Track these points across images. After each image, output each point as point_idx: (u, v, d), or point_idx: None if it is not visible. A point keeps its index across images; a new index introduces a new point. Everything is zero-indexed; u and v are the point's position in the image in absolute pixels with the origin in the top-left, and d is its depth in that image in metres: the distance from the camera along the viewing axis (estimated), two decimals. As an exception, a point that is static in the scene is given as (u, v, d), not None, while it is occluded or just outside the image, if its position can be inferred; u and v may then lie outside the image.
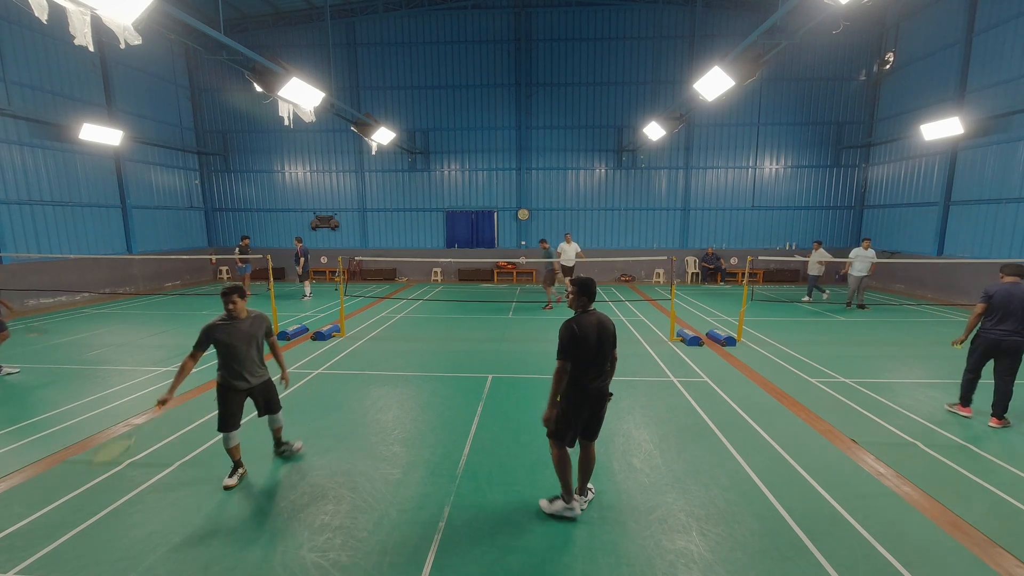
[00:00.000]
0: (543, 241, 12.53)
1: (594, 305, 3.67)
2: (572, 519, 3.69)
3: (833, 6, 6.60)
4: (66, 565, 3.22)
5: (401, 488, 4.13)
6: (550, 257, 12.04)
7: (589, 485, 3.94)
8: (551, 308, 12.22)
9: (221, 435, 4.17)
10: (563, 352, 3.44)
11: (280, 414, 4.55)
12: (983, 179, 12.68)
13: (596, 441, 3.81)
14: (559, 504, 3.73)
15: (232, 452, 4.23)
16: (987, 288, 5.34)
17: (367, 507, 3.85)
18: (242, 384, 4.19)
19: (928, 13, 14.47)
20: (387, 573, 3.15)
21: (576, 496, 3.77)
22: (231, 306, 4.06)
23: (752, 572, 3.14)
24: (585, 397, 3.54)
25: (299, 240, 14.06)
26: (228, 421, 4.14)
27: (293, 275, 17.93)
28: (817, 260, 13.15)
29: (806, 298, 13.55)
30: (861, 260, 11.91)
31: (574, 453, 3.79)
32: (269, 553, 3.32)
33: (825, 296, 13.37)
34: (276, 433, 4.62)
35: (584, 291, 3.58)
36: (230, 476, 4.19)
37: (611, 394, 3.71)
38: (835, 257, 13.53)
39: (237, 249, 14.13)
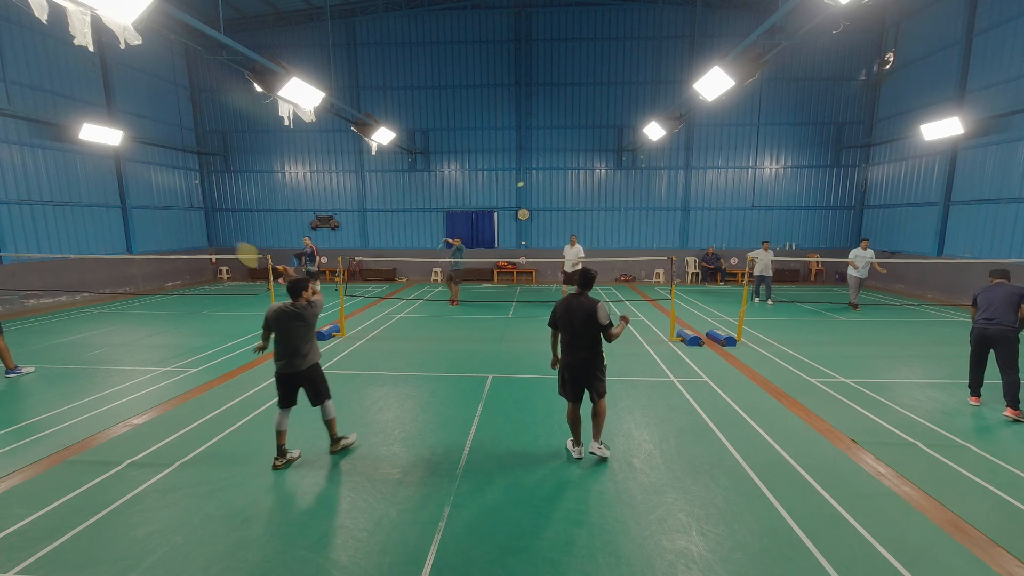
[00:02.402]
0: (457, 239, 12.93)
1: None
2: (577, 459, 4.58)
3: (833, 6, 6.60)
4: (66, 565, 3.22)
5: (401, 488, 4.13)
6: (458, 257, 12.64)
7: (604, 443, 4.65)
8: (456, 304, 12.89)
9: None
10: (550, 321, 4.62)
11: (330, 404, 4.62)
12: (983, 179, 12.69)
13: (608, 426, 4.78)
14: (570, 444, 4.75)
15: (278, 436, 4.44)
16: (975, 292, 5.89)
17: (367, 507, 3.85)
18: (286, 368, 4.41)
19: (928, 13, 14.47)
20: (387, 573, 3.14)
21: (593, 442, 4.62)
22: (306, 292, 4.45)
23: (752, 572, 3.14)
24: (570, 367, 4.51)
25: (307, 239, 14.16)
26: (282, 399, 4.49)
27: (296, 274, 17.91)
28: (770, 260, 12.74)
29: (756, 299, 13.48)
30: (860, 260, 11.89)
31: (587, 408, 4.65)
32: (269, 553, 3.32)
33: (768, 303, 13.04)
34: (329, 427, 4.67)
35: (579, 279, 4.52)
36: (277, 458, 4.45)
37: (605, 365, 4.53)
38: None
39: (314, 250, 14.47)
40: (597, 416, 4.58)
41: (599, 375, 4.50)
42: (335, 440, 4.71)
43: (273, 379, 4.57)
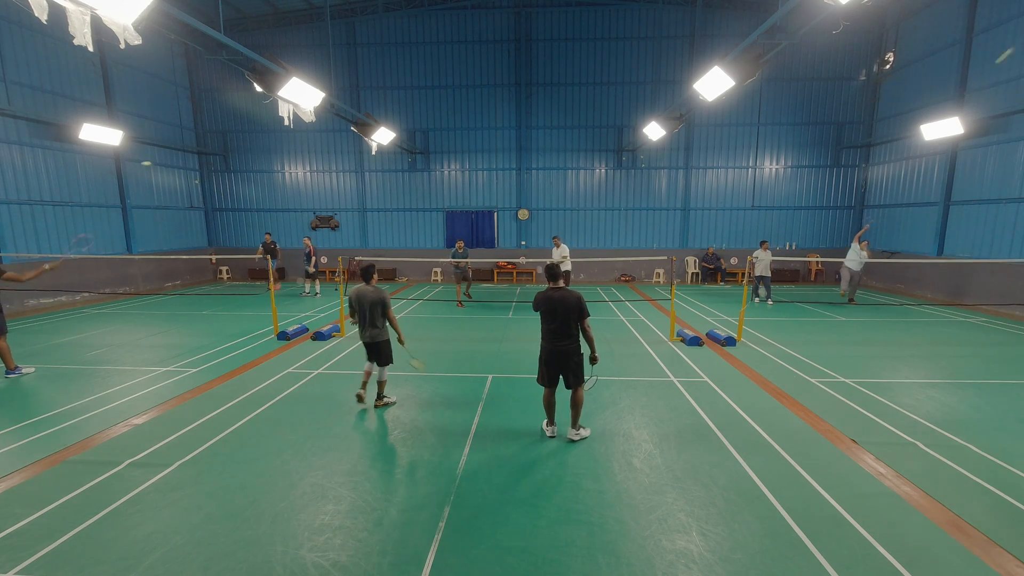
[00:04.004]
0: (460, 242, 12.97)
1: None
2: (550, 437, 5.05)
3: (833, 6, 6.60)
4: (66, 565, 3.22)
5: (401, 488, 4.13)
6: (463, 258, 12.73)
7: (583, 426, 5.13)
8: (463, 306, 12.76)
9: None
10: (535, 305, 5.01)
11: (386, 370, 5.84)
12: (983, 179, 12.68)
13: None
14: (545, 424, 5.22)
15: (365, 374, 5.93)
16: None
17: (367, 507, 3.85)
18: (362, 336, 5.72)
19: (928, 13, 14.47)
20: (387, 573, 3.15)
21: (571, 429, 5.02)
22: (375, 275, 5.74)
23: (752, 572, 3.14)
24: (549, 353, 4.89)
25: (307, 240, 14.19)
26: (368, 356, 5.85)
27: (296, 274, 17.92)
28: (769, 260, 12.71)
29: (756, 299, 13.48)
30: (854, 253, 12.01)
31: (566, 397, 5.04)
32: (269, 553, 3.32)
33: (768, 302, 13.02)
34: (379, 386, 5.87)
35: (546, 274, 5.06)
36: (360, 389, 5.91)
37: (581, 355, 4.90)
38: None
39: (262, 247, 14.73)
40: (575, 406, 4.95)
41: (577, 363, 4.86)
42: (380, 396, 5.88)
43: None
